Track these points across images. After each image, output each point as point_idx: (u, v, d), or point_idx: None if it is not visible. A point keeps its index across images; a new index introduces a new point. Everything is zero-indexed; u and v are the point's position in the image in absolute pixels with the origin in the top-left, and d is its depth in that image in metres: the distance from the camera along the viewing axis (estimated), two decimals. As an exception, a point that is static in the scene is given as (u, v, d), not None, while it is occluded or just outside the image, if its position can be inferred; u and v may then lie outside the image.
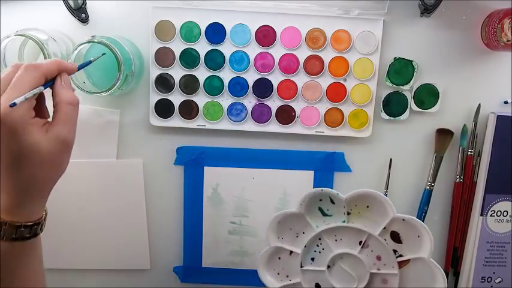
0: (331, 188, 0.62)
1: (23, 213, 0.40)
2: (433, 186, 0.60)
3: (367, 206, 0.51)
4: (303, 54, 0.58)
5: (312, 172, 0.62)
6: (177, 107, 0.60)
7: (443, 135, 0.60)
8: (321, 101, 0.59)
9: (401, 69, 0.58)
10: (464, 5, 0.58)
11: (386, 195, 0.61)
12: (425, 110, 0.59)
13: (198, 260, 0.65)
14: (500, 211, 0.60)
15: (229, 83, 0.59)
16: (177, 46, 0.58)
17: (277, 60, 0.59)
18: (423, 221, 0.61)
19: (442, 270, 0.50)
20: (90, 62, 0.48)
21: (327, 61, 0.58)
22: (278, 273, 0.55)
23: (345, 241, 0.52)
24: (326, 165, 0.62)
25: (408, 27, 0.58)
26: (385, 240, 0.51)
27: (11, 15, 0.58)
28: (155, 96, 0.60)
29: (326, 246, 0.53)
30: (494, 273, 0.62)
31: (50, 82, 0.42)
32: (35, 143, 0.38)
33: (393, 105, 0.60)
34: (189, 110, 0.60)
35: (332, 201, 0.52)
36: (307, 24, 0.58)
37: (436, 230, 0.63)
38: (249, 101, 0.60)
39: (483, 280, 0.62)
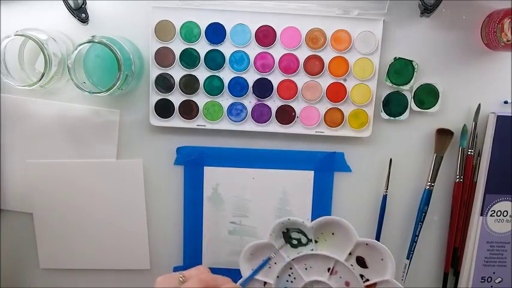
0: (331, 188, 0.62)
1: None
2: (433, 186, 0.60)
3: (333, 233, 0.53)
4: (303, 54, 0.58)
5: (312, 172, 0.62)
6: (177, 107, 0.60)
7: (443, 135, 0.60)
8: (321, 101, 0.59)
9: (401, 69, 0.58)
10: (464, 5, 0.58)
11: (386, 195, 0.61)
12: (425, 110, 0.59)
13: (198, 260, 0.64)
14: (500, 211, 0.60)
15: (229, 83, 0.59)
16: (177, 46, 0.58)
17: (277, 60, 0.59)
18: (423, 221, 0.61)
19: None
20: (269, 259, 0.53)
21: (327, 61, 0.58)
22: None
23: (315, 269, 0.54)
24: (326, 165, 0.62)
25: (408, 27, 0.58)
26: (352, 265, 0.52)
27: (11, 15, 0.58)
28: (155, 96, 0.60)
29: (297, 275, 0.54)
30: (494, 273, 0.62)
31: None
32: None
33: (393, 105, 0.60)
34: (189, 110, 0.60)
35: (300, 231, 0.53)
36: (307, 24, 0.58)
37: (436, 230, 0.63)
38: (249, 101, 0.60)
39: (483, 280, 0.62)
